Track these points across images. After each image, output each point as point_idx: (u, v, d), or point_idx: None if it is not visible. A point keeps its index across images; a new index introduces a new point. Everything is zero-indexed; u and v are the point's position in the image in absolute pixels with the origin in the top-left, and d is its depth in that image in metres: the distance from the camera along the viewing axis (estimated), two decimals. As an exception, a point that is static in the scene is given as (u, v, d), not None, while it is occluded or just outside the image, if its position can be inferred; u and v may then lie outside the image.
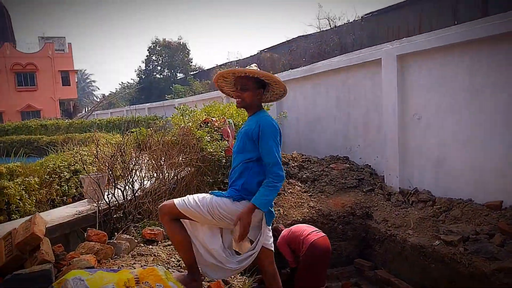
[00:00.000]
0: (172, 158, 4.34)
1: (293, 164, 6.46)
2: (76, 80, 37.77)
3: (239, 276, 3.03)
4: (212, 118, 5.64)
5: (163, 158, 4.33)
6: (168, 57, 29.55)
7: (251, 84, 2.41)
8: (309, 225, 4.52)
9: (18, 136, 15.01)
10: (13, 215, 3.99)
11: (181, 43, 30.13)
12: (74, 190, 4.95)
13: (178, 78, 28.98)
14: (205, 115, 5.91)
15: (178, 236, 2.36)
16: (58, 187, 4.72)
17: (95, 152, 4.21)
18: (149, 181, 4.22)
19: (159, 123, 7.44)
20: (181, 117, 5.71)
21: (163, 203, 2.43)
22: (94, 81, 61.34)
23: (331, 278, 4.91)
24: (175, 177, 4.34)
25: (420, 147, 5.43)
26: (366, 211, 5.39)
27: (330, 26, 14.26)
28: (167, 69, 29.90)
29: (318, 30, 14.67)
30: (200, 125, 5.37)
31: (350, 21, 13.30)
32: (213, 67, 21.90)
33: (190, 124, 5.22)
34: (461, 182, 4.86)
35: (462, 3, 9.36)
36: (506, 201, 4.34)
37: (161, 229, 3.40)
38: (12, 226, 2.96)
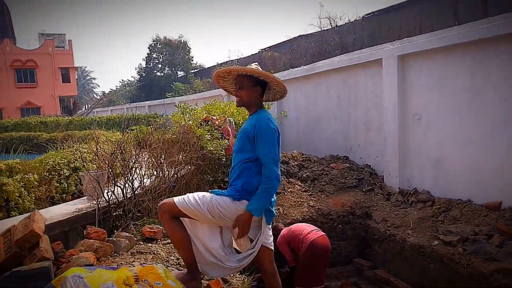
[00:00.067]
0: (172, 156, 4.33)
1: (293, 163, 6.46)
2: (76, 77, 37.69)
3: (239, 274, 3.03)
4: (213, 117, 5.64)
5: (163, 156, 4.32)
6: (169, 55, 29.46)
7: (247, 83, 2.42)
8: (309, 224, 4.52)
9: (17, 133, 14.96)
10: (12, 212, 3.97)
11: (182, 41, 30.07)
12: (74, 188, 4.94)
13: (178, 76, 28.89)
14: (206, 113, 5.91)
15: (178, 234, 2.35)
16: (58, 185, 4.71)
17: (95, 149, 4.20)
18: (149, 179, 4.21)
19: (160, 121, 7.42)
20: (181, 115, 5.72)
21: (163, 201, 2.42)
22: (94, 78, 61.28)
23: (331, 277, 4.92)
24: (175, 175, 4.33)
25: (420, 147, 5.43)
26: (366, 210, 5.40)
27: (331, 25, 14.23)
28: (167, 67, 29.83)
29: (319, 30, 14.63)
30: (201, 123, 5.37)
31: (351, 20, 13.26)
32: (214, 65, 21.84)
33: (191, 122, 5.22)
34: (460, 182, 4.86)
35: (462, 3, 9.33)
36: (505, 202, 4.35)
37: (160, 227, 3.40)
38: (11, 223, 2.94)
